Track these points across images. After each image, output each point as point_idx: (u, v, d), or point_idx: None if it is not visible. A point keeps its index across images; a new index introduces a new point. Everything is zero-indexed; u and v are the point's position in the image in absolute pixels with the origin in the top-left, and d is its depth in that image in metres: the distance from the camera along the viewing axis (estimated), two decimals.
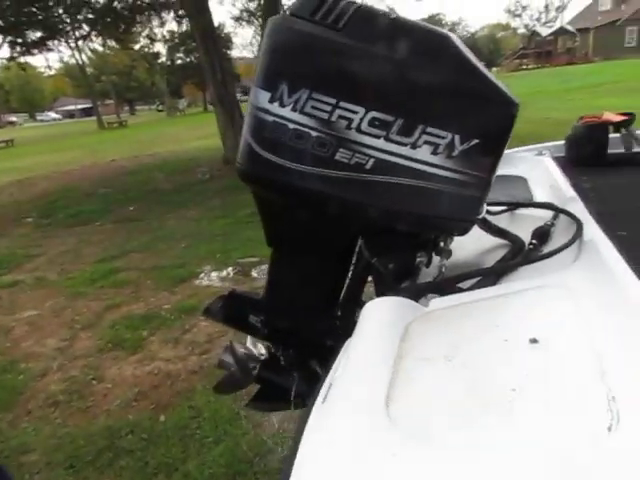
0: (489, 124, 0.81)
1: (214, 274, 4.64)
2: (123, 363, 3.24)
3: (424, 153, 0.79)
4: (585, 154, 1.60)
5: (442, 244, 1.05)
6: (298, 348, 1.19)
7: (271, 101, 0.78)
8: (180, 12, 12.25)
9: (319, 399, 0.60)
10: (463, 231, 0.91)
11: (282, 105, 0.77)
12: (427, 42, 0.79)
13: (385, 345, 0.66)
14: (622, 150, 1.57)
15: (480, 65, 0.79)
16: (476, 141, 0.78)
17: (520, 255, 0.98)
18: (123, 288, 4.56)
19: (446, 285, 0.91)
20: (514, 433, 0.48)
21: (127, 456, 2.38)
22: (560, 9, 42.40)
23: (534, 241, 1.00)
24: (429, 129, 0.78)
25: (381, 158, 0.79)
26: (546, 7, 42.86)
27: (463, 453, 0.46)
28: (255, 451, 2.29)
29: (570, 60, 37.34)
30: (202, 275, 4.64)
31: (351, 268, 1.11)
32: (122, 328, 3.72)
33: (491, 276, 0.92)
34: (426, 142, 0.78)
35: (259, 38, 24.61)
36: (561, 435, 0.47)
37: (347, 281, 1.13)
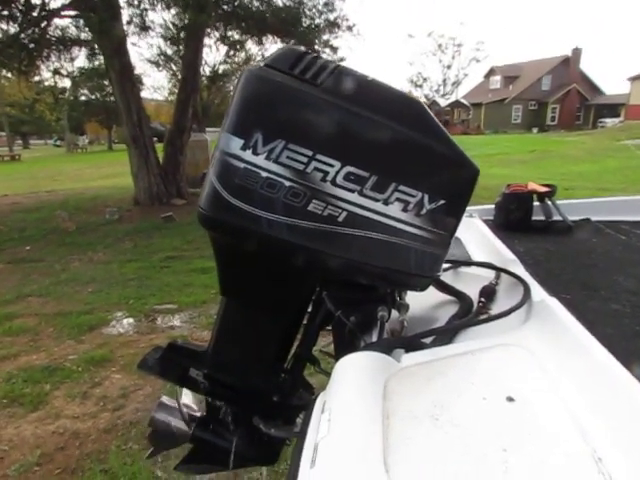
0: (454, 186, 0.86)
1: (127, 321, 4.35)
2: (22, 421, 2.89)
3: (395, 209, 0.82)
4: (513, 219, 1.75)
5: (398, 299, 1.09)
6: (242, 404, 1.14)
7: (244, 148, 0.77)
8: (94, 50, 11.91)
9: (305, 463, 0.57)
10: (423, 287, 0.93)
11: (255, 153, 0.77)
12: (401, 106, 0.83)
13: (368, 403, 0.65)
14: (542, 218, 1.75)
15: (446, 131, 0.86)
16: (442, 201, 0.84)
17: (472, 313, 1.02)
18: (20, 336, 4.10)
19: (414, 340, 0.91)
20: None
21: None
22: (455, 84, 47.28)
23: (482, 299, 1.06)
24: (401, 187, 0.82)
25: (354, 212, 0.81)
26: (444, 81, 47.59)
27: None
28: None
29: (465, 130, 40.77)
30: (113, 322, 4.32)
31: (304, 321, 1.10)
32: (20, 382, 3.33)
33: (451, 332, 0.95)
34: (398, 199, 0.82)
35: (174, 82, 24.51)
36: None
37: (300, 335, 1.12)
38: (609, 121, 37.10)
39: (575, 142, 23.73)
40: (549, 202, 1.75)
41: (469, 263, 1.31)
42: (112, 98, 13.97)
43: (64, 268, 6.22)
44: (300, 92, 0.78)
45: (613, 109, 39.72)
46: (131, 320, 4.39)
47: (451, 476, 0.53)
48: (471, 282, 1.14)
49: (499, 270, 1.14)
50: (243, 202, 0.78)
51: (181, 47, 11.61)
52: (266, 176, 0.77)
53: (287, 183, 0.78)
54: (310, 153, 0.78)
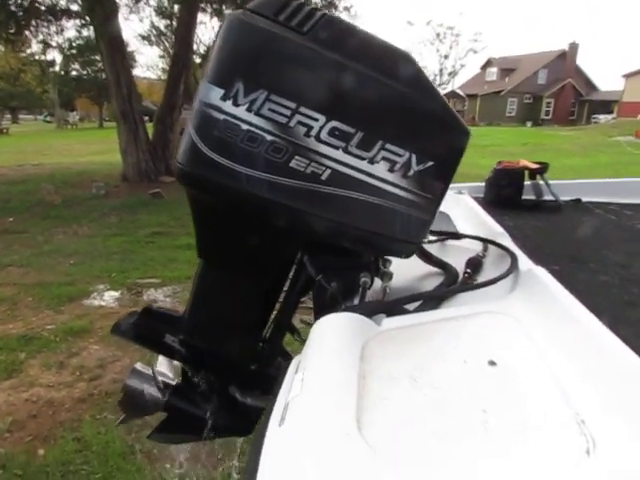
0: (444, 148, 0.82)
1: (108, 294, 4.29)
2: None
3: (381, 169, 0.78)
4: (504, 195, 1.72)
5: (383, 267, 1.05)
6: (218, 372, 1.11)
7: (224, 99, 0.72)
8: (84, 21, 11.61)
9: (273, 421, 0.54)
10: (408, 254, 0.90)
11: (236, 104, 0.72)
12: (393, 60, 0.78)
13: (345, 364, 0.62)
14: (533, 197, 1.73)
15: (439, 90, 0.81)
16: (431, 163, 0.80)
17: (458, 283, 0.99)
18: None
19: (396, 306, 0.88)
20: (495, 457, 0.48)
21: None
22: (452, 74, 46.96)
23: (468, 270, 1.03)
24: (388, 145, 0.77)
25: (338, 170, 0.76)
26: (440, 71, 47.23)
27: (451, 477, 0.45)
28: None
29: None
30: (94, 294, 4.26)
31: (285, 287, 1.06)
32: None
33: (434, 300, 0.92)
34: (384, 158, 0.78)
35: (166, 59, 24.07)
36: (542, 459, 0.47)
37: (280, 301, 1.08)
38: (602, 117, 37.35)
39: (568, 137, 23.87)
40: (541, 181, 1.72)
41: (456, 235, 1.28)
42: (104, 75, 13.66)
43: (47, 240, 6.11)
44: (285, 40, 0.73)
45: (607, 105, 39.86)
46: (113, 293, 4.33)
47: (429, 435, 0.51)
48: (458, 254, 1.11)
49: (486, 242, 1.11)
50: (222, 156, 0.74)
51: (174, 22, 11.36)
52: (247, 129, 0.73)
53: (268, 137, 0.73)
54: (293, 106, 0.73)
